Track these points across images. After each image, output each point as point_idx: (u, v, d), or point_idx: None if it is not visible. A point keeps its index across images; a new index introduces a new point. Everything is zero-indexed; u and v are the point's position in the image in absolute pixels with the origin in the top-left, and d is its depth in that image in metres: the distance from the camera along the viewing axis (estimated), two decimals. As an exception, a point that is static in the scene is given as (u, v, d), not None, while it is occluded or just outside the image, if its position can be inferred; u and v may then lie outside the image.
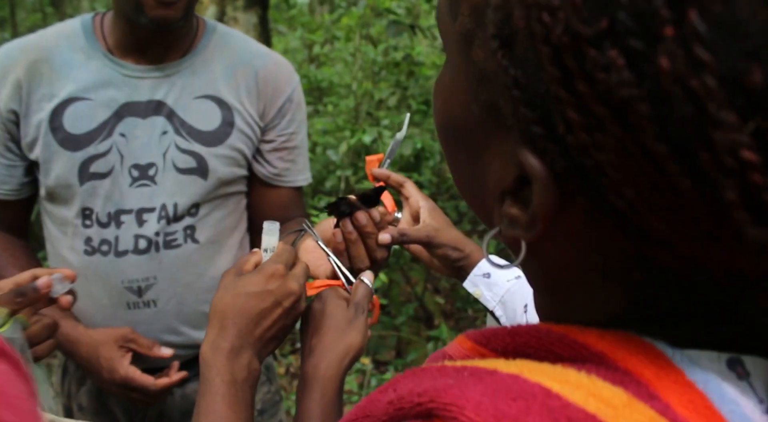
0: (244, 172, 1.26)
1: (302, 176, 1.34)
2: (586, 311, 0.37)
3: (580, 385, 0.31)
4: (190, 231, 1.21)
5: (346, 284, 0.88)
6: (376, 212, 0.91)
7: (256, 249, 0.86)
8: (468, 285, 0.94)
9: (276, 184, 1.30)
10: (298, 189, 1.35)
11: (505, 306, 0.92)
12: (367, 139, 2.76)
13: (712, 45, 0.25)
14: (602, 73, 0.27)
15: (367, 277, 0.87)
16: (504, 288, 0.93)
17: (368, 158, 1.01)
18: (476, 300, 0.95)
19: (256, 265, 0.81)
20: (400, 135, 0.99)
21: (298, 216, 1.35)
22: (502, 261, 0.42)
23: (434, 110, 0.43)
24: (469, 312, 3.38)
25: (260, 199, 1.31)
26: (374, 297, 0.88)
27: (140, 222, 1.18)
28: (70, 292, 0.90)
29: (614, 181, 0.29)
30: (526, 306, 0.91)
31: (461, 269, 0.94)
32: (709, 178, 0.26)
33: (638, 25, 0.26)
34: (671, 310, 0.34)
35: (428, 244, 0.93)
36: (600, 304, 0.36)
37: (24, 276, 0.86)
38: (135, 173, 1.17)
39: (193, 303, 1.23)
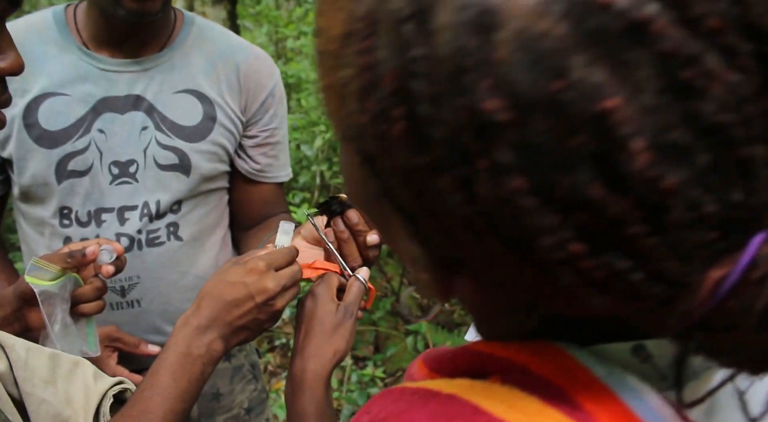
0: (226, 167, 1.24)
1: (284, 172, 1.32)
2: (508, 329, 0.42)
3: (504, 399, 0.36)
4: (173, 229, 1.19)
5: (343, 271, 0.89)
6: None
7: (269, 245, 0.88)
8: None
9: (259, 179, 1.28)
10: (281, 184, 1.33)
11: None
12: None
13: (521, 169, 0.28)
14: (440, 196, 0.31)
15: (362, 274, 0.89)
16: None
17: None
18: None
19: None
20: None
21: (280, 212, 1.33)
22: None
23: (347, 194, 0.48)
24: (445, 305, 3.39)
25: (243, 195, 1.29)
26: (369, 285, 0.89)
27: (122, 221, 1.14)
28: (116, 264, 0.99)
29: (478, 269, 0.34)
30: None
31: None
32: (548, 268, 0.30)
33: (457, 158, 0.29)
34: (577, 321, 0.38)
35: None
36: (516, 325, 0.41)
37: (87, 243, 0.98)
38: (115, 170, 1.14)
39: (178, 302, 1.20)
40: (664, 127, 0.27)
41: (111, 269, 0.97)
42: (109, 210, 1.14)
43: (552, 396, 0.35)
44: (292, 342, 1.15)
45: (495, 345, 0.40)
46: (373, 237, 0.89)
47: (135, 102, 1.15)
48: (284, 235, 0.89)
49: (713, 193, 0.28)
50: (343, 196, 0.91)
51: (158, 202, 1.16)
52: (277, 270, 0.82)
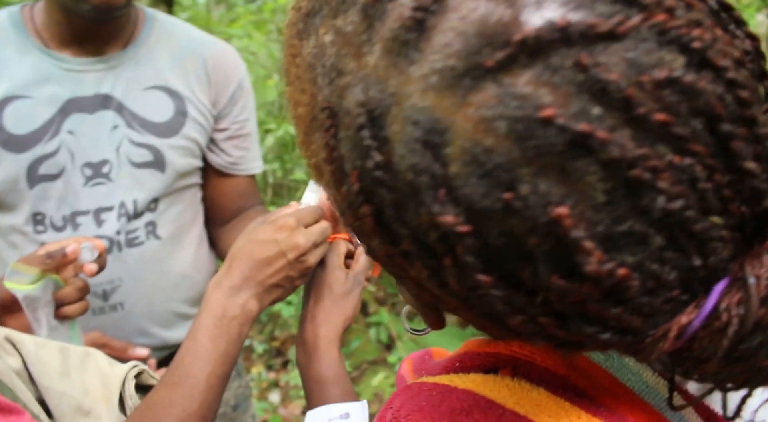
0: (199, 163, 1.22)
1: (257, 163, 1.32)
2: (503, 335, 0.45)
3: (514, 391, 0.40)
4: (152, 228, 1.17)
5: (352, 238, 0.90)
6: None
7: (293, 202, 0.88)
8: None
9: (232, 172, 1.27)
10: (253, 177, 1.33)
11: None
12: (293, 129, 2.72)
13: (484, 267, 0.30)
14: (416, 276, 0.34)
15: None
16: None
17: None
18: None
19: None
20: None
21: (256, 204, 1.33)
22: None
23: None
24: (400, 297, 3.43)
25: (217, 189, 1.28)
26: None
27: (99, 223, 1.12)
28: (99, 262, 0.94)
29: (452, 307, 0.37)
30: None
31: None
32: (523, 333, 0.33)
33: (424, 253, 0.32)
34: None
35: None
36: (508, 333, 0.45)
37: (66, 242, 0.92)
38: (88, 172, 1.11)
39: (162, 303, 1.18)
40: (616, 220, 0.28)
41: (94, 267, 0.93)
42: (85, 212, 1.11)
43: (557, 386, 0.39)
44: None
45: (499, 344, 0.44)
46: None
47: (103, 101, 1.12)
48: (312, 193, 0.88)
49: (670, 264, 0.30)
50: None
51: (135, 201, 1.13)
52: (306, 227, 0.82)
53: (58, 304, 0.91)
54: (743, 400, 0.36)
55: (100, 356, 0.76)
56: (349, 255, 0.90)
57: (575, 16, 0.27)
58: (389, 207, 0.31)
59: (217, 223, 1.30)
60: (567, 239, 0.28)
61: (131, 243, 1.14)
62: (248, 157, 1.29)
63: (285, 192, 2.99)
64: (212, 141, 1.24)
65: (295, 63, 0.36)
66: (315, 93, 0.34)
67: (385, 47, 0.30)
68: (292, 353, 2.79)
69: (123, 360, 1.11)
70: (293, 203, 0.91)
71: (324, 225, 0.84)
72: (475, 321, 0.37)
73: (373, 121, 0.30)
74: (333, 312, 0.84)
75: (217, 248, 1.31)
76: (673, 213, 0.28)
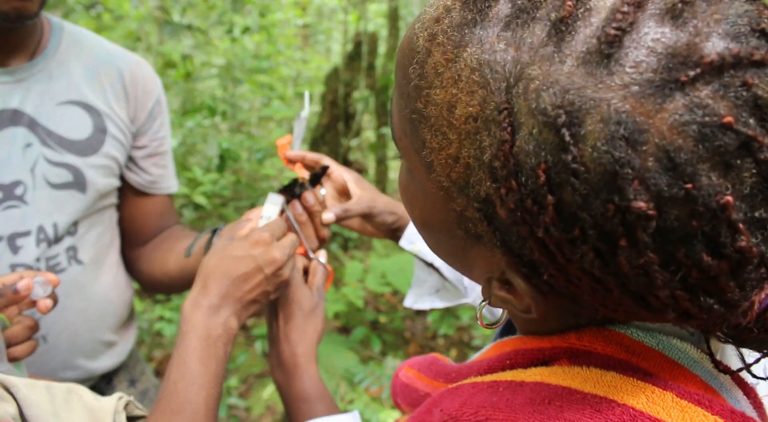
0: (118, 182, 1.16)
1: (174, 182, 1.28)
2: (557, 327, 0.50)
3: (587, 377, 0.44)
4: (73, 253, 1.09)
5: (307, 252, 0.91)
6: (319, 193, 0.94)
7: (252, 216, 0.86)
8: (404, 243, 1.01)
9: (152, 192, 1.22)
10: (171, 196, 1.29)
11: None
12: (173, 142, 2.61)
13: (654, 247, 0.36)
14: (577, 259, 0.38)
15: (322, 257, 0.92)
16: None
17: (278, 142, 1.01)
18: None
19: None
20: (303, 113, 1.00)
21: (174, 223, 1.28)
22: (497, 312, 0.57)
23: (407, 210, 0.53)
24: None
25: (136, 209, 1.22)
26: (328, 266, 0.93)
27: (14, 250, 1.02)
28: (52, 297, 0.87)
29: (574, 297, 0.42)
30: None
31: (396, 230, 1.02)
32: (652, 306, 0.39)
33: (599, 237, 0.36)
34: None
35: (369, 215, 0.98)
36: (565, 324, 0.49)
37: (11, 277, 0.85)
38: None
39: (87, 332, 1.11)
40: (754, 208, 0.35)
41: (49, 303, 0.86)
42: (-2, 239, 1.01)
43: (623, 369, 0.44)
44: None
45: (554, 339, 0.49)
46: (329, 216, 0.93)
47: (12, 117, 1.03)
48: (272, 205, 0.87)
49: None
50: (303, 178, 0.93)
51: (55, 225, 1.05)
52: (278, 240, 0.82)
53: (7, 345, 0.83)
54: None
55: (83, 391, 0.71)
56: (304, 271, 0.92)
57: (737, 47, 0.35)
58: (577, 196, 0.36)
59: (136, 244, 1.24)
60: (728, 222, 0.35)
61: (53, 270, 1.05)
62: (167, 175, 1.24)
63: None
64: (131, 159, 1.18)
65: (453, 68, 0.40)
66: (486, 95, 0.38)
67: (582, 58, 0.36)
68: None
69: None
70: (251, 216, 0.90)
71: (292, 237, 0.85)
72: (609, 301, 0.40)
73: (572, 120, 0.35)
74: (307, 329, 0.86)
75: (135, 269, 1.25)
76: None
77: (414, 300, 1.05)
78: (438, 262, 0.99)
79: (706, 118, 0.34)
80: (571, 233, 0.37)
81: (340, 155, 3.98)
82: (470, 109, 0.39)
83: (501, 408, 0.45)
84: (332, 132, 4.07)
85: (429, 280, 1.04)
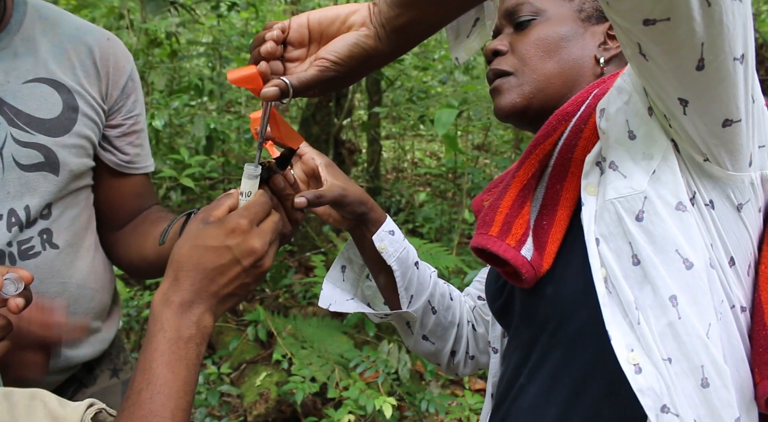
0: (92, 162, 1.12)
1: (150, 161, 1.23)
2: None
3: None
4: (47, 236, 1.05)
5: None
6: (290, 174, 0.89)
7: (232, 191, 0.78)
8: (376, 239, 0.98)
9: (128, 172, 1.17)
10: (148, 175, 1.24)
11: (401, 262, 0.99)
12: (158, 123, 2.55)
13: None
14: None
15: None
16: (402, 246, 1.00)
17: (252, 116, 0.96)
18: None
19: (231, 210, 0.75)
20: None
21: (153, 204, 1.24)
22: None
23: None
24: (267, 292, 3.38)
25: (112, 190, 1.17)
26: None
27: (-17, 235, 0.98)
28: (24, 296, 0.80)
29: None
30: (417, 263, 1.02)
31: (365, 221, 0.98)
32: None
33: None
34: None
35: (340, 203, 0.94)
36: None
37: None
38: (-35, 177, 0.97)
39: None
40: None
41: (20, 302, 0.80)
42: (-35, 224, 0.97)
43: None
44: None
45: None
46: (301, 200, 0.87)
47: (-23, 96, 0.98)
48: (250, 179, 0.78)
49: None
50: (270, 161, 0.88)
51: (27, 208, 1.01)
52: (258, 224, 0.74)
53: None
54: None
55: (48, 396, 0.66)
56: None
57: None
58: None
59: (113, 227, 1.20)
60: None
61: (25, 254, 1.01)
62: (143, 154, 1.20)
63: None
64: (105, 138, 1.13)
65: None
66: None
67: None
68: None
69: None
70: (231, 191, 0.84)
71: (275, 218, 0.78)
72: None
73: None
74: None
75: (114, 253, 1.21)
76: None
77: (329, 303, 1.04)
78: (395, 266, 0.98)
79: None
80: None
81: (332, 135, 3.92)
82: None
83: None
84: (323, 111, 4.02)
85: (345, 286, 1.07)
